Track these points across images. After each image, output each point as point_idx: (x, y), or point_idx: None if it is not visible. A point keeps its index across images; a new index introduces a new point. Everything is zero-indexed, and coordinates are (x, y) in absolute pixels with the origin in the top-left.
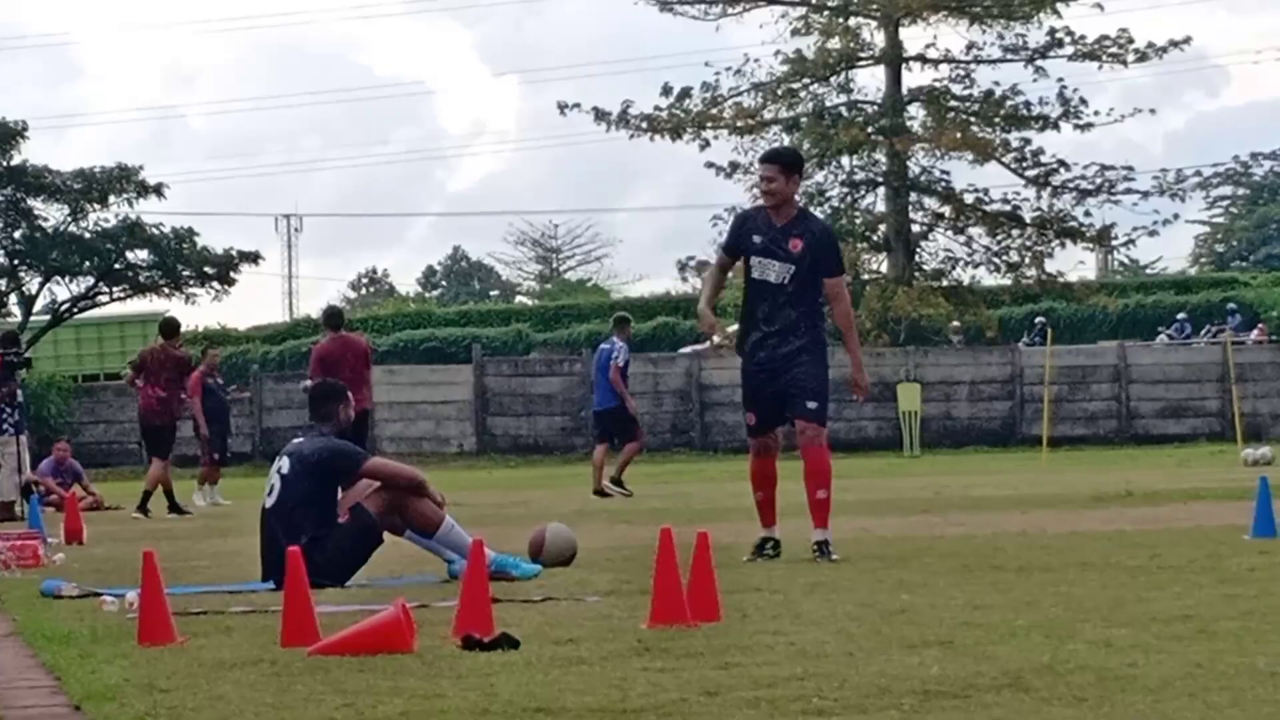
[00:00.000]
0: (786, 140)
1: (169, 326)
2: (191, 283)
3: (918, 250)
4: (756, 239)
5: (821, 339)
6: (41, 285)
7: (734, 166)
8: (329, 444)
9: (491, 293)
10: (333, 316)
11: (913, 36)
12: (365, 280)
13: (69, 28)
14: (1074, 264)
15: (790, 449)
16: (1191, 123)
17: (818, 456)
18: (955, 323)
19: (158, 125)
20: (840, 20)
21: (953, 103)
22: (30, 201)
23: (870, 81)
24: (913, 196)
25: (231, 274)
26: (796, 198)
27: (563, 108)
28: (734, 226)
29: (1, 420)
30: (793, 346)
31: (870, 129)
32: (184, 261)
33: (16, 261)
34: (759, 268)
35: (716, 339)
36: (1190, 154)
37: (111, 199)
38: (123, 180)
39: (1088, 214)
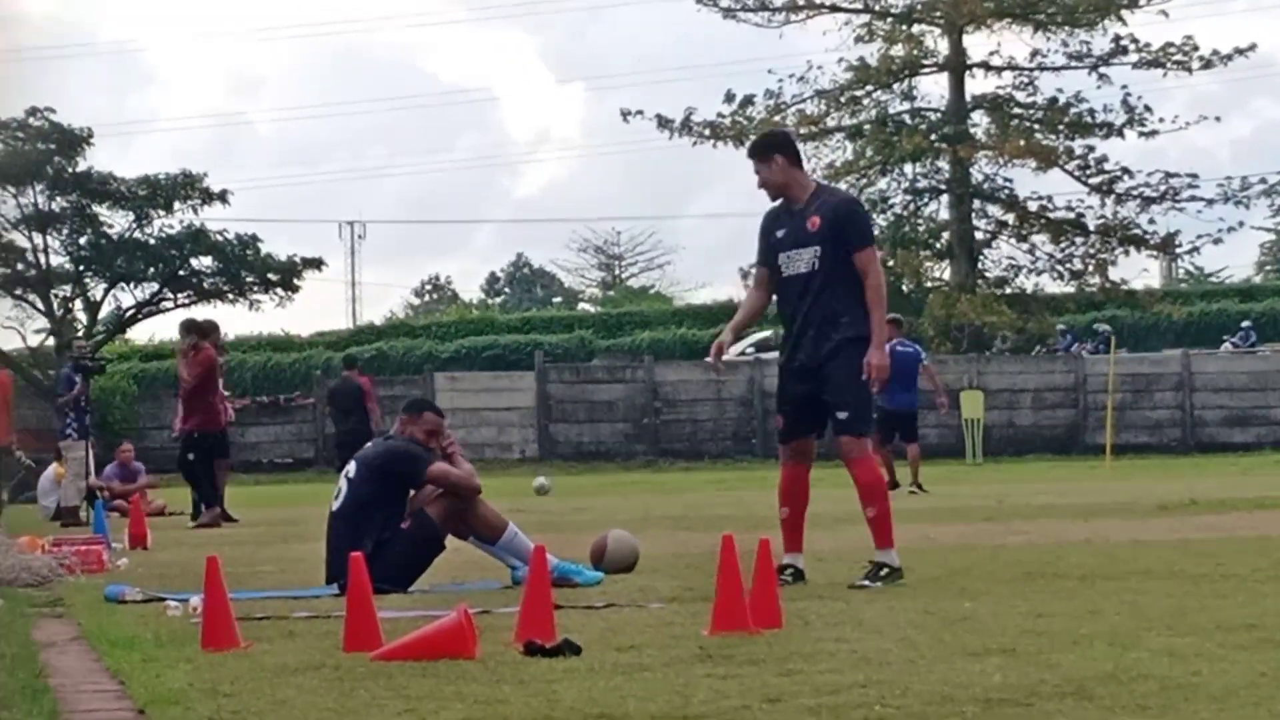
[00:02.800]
0: (849, 148)
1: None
2: (255, 289)
3: (981, 258)
4: (780, 232)
5: (865, 334)
6: (106, 292)
7: None
8: (392, 447)
9: (554, 299)
10: (203, 325)
11: (976, 44)
12: (428, 287)
13: (137, 35)
14: (1138, 272)
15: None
16: (1259, 130)
17: (858, 470)
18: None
19: (223, 132)
20: (904, 27)
21: (1016, 110)
22: (95, 208)
23: (934, 89)
24: (976, 204)
25: (295, 280)
26: (809, 175)
27: (626, 115)
28: (761, 229)
29: (67, 425)
30: (833, 343)
31: (933, 136)
32: (248, 268)
33: (82, 268)
34: (788, 263)
35: (711, 359)
36: (1258, 161)
37: (176, 206)
38: (187, 187)
39: (1152, 221)
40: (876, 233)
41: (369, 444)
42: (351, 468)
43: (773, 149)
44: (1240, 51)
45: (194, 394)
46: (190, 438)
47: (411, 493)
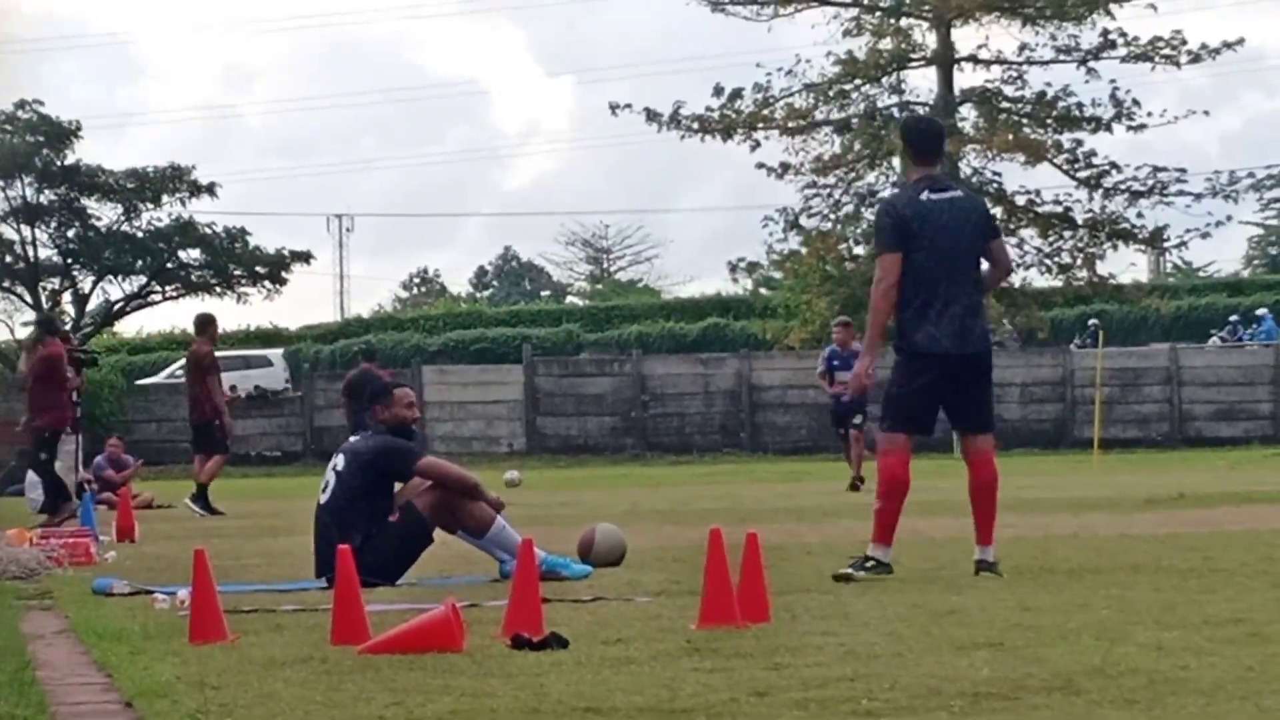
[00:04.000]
0: (837, 142)
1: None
2: (243, 282)
3: None
4: None
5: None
6: (94, 284)
7: (785, 167)
8: (382, 442)
9: (542, 293)
10: (51, 323)
11: (965, 37)
12: (416, 280)
13: (128, 28)
14: (1126, 266)
15: None
16: (1248, 124)
17: (878, 463)
18: (1007, 324)
19: (213, 125)
20: (892, 21)
21: (1005, 104)
22: (84, 201)
23: (922, 82)
24: None
25: (283, 273)
26: (913, 169)
27: (615, 108)
28: None
29: None
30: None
31: None
32: (236, 261)
33: (70, 260)
34: None
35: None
36: (1246, 156)
37: (164, 198)
38: (175, 180)
39: (1140, 216)
40: (864, 227)
41: (357, 438)
42: (340, 460)
43: (902, 140)
44: (1228, 45)
45: (40, 391)
46: (41, 436)
47: (398, 486)
